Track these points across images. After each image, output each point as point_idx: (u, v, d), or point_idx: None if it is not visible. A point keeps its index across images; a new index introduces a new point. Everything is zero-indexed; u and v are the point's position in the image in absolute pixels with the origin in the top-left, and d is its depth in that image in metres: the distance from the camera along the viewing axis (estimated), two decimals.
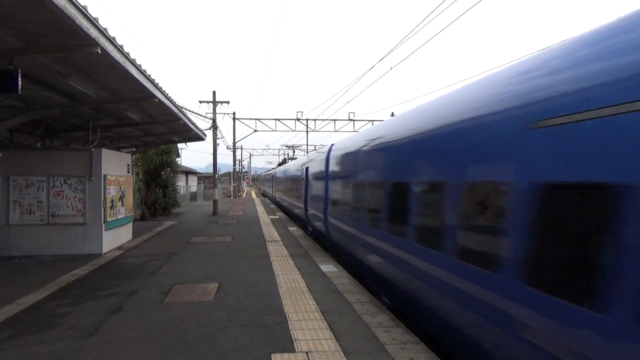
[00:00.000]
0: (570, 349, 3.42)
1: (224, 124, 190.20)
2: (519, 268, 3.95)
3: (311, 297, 9.45)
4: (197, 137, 21.26)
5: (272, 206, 35.76)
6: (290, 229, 20.48)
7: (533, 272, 3.81)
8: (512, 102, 4.30)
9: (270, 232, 19.42)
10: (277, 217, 26.03)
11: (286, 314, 8.51)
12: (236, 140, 54.20)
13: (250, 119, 44.64)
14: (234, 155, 61.90)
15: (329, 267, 12.19)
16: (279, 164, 57.22)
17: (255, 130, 51.82)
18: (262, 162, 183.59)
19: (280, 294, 9.64)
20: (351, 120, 50.41)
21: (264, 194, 62.77)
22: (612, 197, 3.26)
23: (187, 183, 49.50)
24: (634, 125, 3.21)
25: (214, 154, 29.98)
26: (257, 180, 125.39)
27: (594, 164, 3.36)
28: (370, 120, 52.77)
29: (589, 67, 3.64)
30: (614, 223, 3.25)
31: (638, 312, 3.05)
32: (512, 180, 4.15)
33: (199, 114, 27.28)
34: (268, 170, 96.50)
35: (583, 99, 3.58)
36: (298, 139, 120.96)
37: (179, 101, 19.87)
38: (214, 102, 29.84)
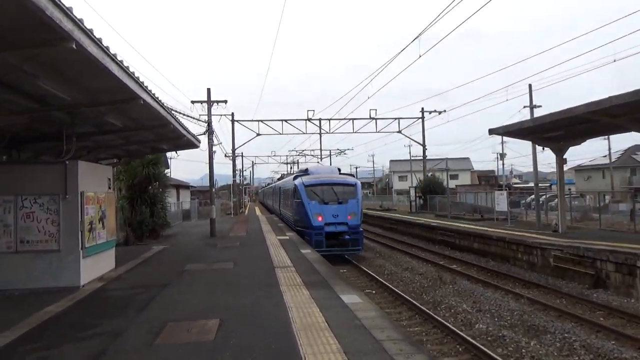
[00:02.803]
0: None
1: (222, 127, 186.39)
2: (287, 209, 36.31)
3: (331, 334, 9.38)
4: (190, 144, 21.19)
5: (281, 224, 35.46)
6: (303, 251, 20.38)
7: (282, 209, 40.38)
8: (284, 184, 40.31)
9: (279, 255, 19.31)
10: (287, 237, 25.90)
11: (302, 356, 8.43)
12: (236, 147, 55.41)
13: (252, 120, 45.04)
14: (234, 164, 60.88)
15: (352, 298, 12.11)
16: (280, 177, 64.05)
17: (258, 134, 51.83)
18: (267, 172, 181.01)
19: (294, 332, 9.56)
20: (372, 118, 50.03)
21: (269, 209, 63.16)
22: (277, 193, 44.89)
23: (178, 199, 49.43)
24: (269, 190, 63.36)
25: (209, 163, 29.53)
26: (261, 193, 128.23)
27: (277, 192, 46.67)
28: (395, 118, 52.98)
29: (280, 183, 44.16)
30: (279, 197, 42.93)
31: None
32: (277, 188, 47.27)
33: (191, 117, 27.04)
34: (268, 184, 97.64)
35: (281, 185, 43.07)
36: (311, 142, 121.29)
37: (168, 103, 20.11)
38: (209, 102, 29.42)
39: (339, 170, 34.18)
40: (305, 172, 33.47)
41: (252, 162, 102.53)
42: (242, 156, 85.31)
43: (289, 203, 35.03)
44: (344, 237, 27.96)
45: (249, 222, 38.36)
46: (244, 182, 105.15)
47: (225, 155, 54.67)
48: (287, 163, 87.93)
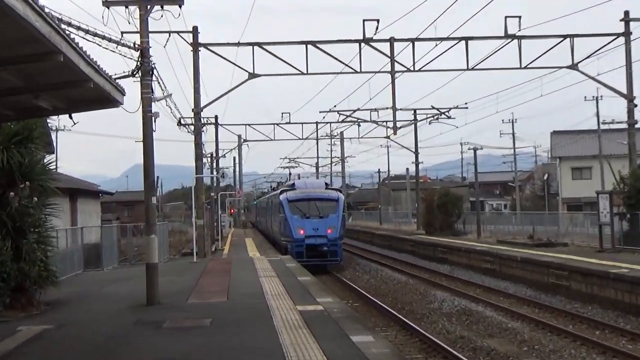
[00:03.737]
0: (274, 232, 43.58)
1: (175, 61, 53.70)
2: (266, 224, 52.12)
3: None
4: (101, 97, 11.73)
5: (304, 279, 19.63)
6: (357, 340, 9.92)
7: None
8: (270, 198, 48.50)
9: (303, 348, 9.35)
10: (320, 307, 13.79)
11: None
12: (209, 103, 32.55)
13: (237, 44, 27.43)
14: (215, 164, 51.95)
15: None
16: (272, 189, 61.66)
17: (244, 141, 41.07)
18: (271, 163, 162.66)
19: None
20: (375, 122, 44.20)
21: (269, 238, 48.48)
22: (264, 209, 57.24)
23: (74, 219, 32.01)
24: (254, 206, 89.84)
25: (144, 139, 15.52)
26: (252, 208, 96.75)
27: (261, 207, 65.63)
28: (411, 121, 46.79)
29: (265, 197, 60.66)
30: (267, 211, 49.85)
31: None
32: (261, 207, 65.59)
33: (105, 38, 13.60)
34: (260, 196, 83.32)
35: (264, 199, 60.93)
36: (308, 147, 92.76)
37: (53, 7, 9.56)
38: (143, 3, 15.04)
39: (326, 184, 39.49)
40: (292, 186, 37.14)
41: (240, 138, 55.45)
42: (216, 125, 47.02)
43: (277, 218, 38.69)
44: (322, 249, 31.95)
45: (233, 269, 23.26)
46: (220, 184, 67.89)
47: (180, 123, 31.88)
48: (283, 167, 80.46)
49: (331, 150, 77.95)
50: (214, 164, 54.08)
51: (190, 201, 35.96)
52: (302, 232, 32.03)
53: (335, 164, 76.99)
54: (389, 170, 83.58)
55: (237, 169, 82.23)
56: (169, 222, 55.06)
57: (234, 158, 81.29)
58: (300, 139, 48.18)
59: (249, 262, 27.09)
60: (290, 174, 77.13)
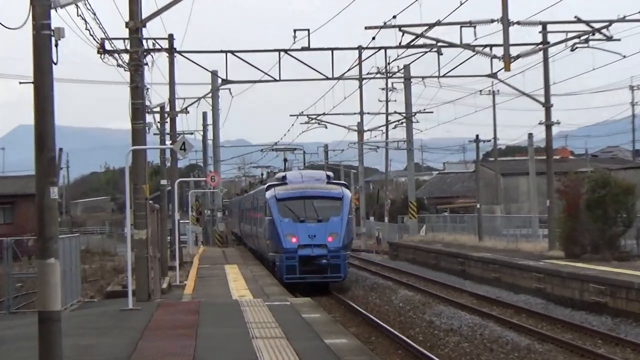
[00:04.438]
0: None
1: None
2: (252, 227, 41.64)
3: None
4: None
5: (338, 341, 12.39)
6: None
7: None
8: (255, 195, 39.86)
9: None
10: None
11: None
12: (177, 110, 25.34)
13: (208, 51, 20.72)
14: (170, 127, 32.19)
15: None
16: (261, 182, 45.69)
17: (224, 82, 28.04)
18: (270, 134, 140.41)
19: None
20: (469, 48, 25.89)
21: (250, 248, 42.69)
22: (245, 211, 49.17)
23: None
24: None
25: (38, 77, 9.09)
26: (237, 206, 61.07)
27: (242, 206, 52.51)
28: (537, 45, 28.02)
29: (249, 194, 46.68)
30: (251, 215, 41.96)
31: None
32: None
33: None
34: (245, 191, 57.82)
35: (249, 197, 46.38)
36: (341, 95, 72.12)
37: None
38: None
39: (328, 177, 32.29)
40: (283, 180, 31.93)
41: (216, 77, 37.59)
42: (171, 52, 29.49)
43: (262, 223, 33.74)
44: (321, 262, 27.92)
45: (203, 331, 13.89)
46: (180, 163, 44.73)
47: (104, 50, 18.54)
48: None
49: (387, 100, 56.79)
50: (168, 127, 33.72)
51: (120, 196, 25.40)
52: (294, 240, 28.30)
53: (395, 126, 55.81)
54: (495, 139, 51.60)
55: (212, 134, 54.43)
56: (81, 235, 37.25)
57: (205, 116, 55.27)
58: (328, 78, 31.51)
59: (231, 309, 17.57)
60: (285, 162, 47.04)
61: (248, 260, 40.17)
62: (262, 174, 53.78)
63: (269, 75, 30.79)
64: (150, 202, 21.06)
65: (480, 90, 48.64)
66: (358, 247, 61.09)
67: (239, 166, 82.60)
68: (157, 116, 32.51)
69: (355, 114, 55.20)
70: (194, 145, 23.41)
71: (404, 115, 54.16)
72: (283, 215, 28.86)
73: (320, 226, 28.45)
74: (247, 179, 76.45)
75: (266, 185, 33.02)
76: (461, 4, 24.43)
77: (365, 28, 28.32)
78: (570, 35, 27.64)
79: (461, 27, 26.37)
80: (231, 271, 32.45)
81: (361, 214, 63.56)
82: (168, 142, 32.49)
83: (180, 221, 38.26)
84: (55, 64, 9.38)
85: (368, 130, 56.92)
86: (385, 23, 26.57)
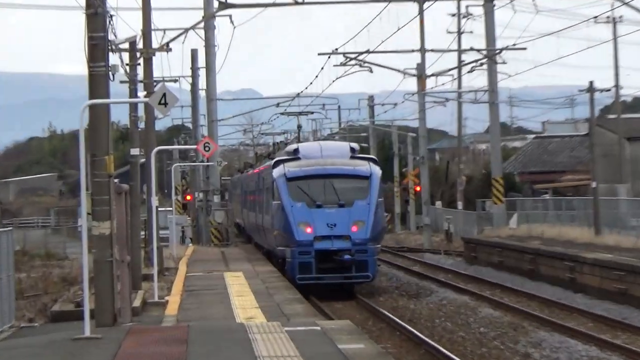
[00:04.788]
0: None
1: None
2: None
3: None
4: None
5: None
6: None
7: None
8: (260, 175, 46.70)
9: None
10: None
11: None
12: (153, 47, 26.57)
13: None
14: (145, 70, 32.54)
15: None
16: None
17: (223, 5, 28.58)
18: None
19: None
20: None
21: (256, 242, 46.29)
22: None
23: None
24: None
25: None
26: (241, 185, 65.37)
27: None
28: None
29: (249, 177, 56.26)
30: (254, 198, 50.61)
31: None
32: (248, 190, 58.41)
33: None
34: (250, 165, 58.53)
35: (244, 178, 62.62)
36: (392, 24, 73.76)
37: None
38: None
39: (353, 150, 34.11)
40: (294, 154, 34.10)
41: None
42: None
43: (267, 209, 36.06)
44: (344, 258, 30.40)
45: None
46: (157, 124, 42.47)
47: None
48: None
49: (459, 31, 60.28)
50: (142, 72, 33.36)
51: (72, 172, 26.91)
52: (309, 230, 30.70)
53: (472, 69, 55.71)
54: (617, 88, 53.49)
55: (205, 82, 52.11)
56: (15, 229, 35.89)
57: (194, 55, 54.32)
58: None
59: (235, 337, 17.15)
60: (299, 129, 47.56)
61: (258, 265, 39.09)
62: (273, 144, 51.87)
63: None
64: (116, 181, 20.52)
65: (596, 17, 48.14)
66: (419, 246, 60.78)
67: (244, 128, 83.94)
68: (126, 56, 31.43)
69: (413, 51, 54.74)
70: (179, 99, 21.29)
71: (485, 53, 53.59)
72: (295, 198, 31.74)
73: (342, 212, 31.36)
74: (256, 148, 78.57)
75: (273, 161, 35.28)
76: None
77: None
78: None
79: None
80: (234, 281, 31.59)
81: (423, 197, 61.76)
82: (141, 94, 32.33)
83: (160, 209, 38.69)
84: None
85: (432, 75, 54.15)
86: None
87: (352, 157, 33.81)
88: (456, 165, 66.08)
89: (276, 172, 32.88)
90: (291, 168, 32.67)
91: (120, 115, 41.18)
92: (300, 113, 49.99)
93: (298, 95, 58.49)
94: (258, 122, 73.12)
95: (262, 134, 66.56)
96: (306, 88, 58.75)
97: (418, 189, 67.17)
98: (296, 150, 34.41)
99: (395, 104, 68.38)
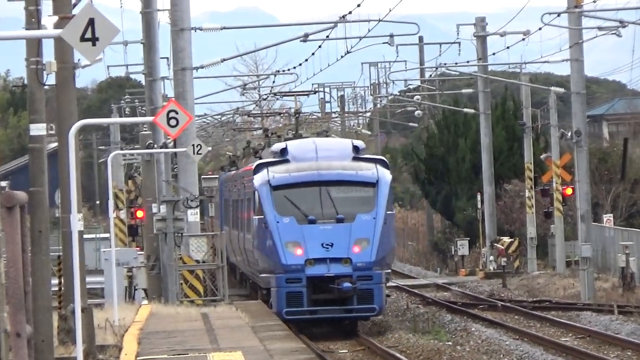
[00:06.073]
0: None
1: None
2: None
3: None
4: None
5: None
6: None
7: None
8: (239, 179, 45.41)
9: None
10: None
11: None
12: None
13: None
14: None
15: None
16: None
17: None
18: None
19: None
20: None
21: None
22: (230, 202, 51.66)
23: None
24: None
25: None
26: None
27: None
28: None
29: (229, 178, 52.20)
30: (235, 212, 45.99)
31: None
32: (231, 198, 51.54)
33: None
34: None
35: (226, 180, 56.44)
36: None
37: None
38: None
39: (356, 149, 29.85)
40: (282, 155, 29.84)
41: None
42: None
43: (247, 226, 31.01)
44: (342, 286, 26.88)
45: None
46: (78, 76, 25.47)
47: None
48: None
49: None
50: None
51: None
52: (299, 251, 28.18)
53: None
54: None
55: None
56: None
57: None
58: None
59: None
60: (297, 117, 41.49)
61: (271, 340, 23.47)
62: (264, 132, 40.64)
63: None
64: (3, 185, 16.96)
65: None
66: (573, 298, 44.29)
67: (244, 83, 55.55)
68: None
69: None
70: (119, 30, 9.92)
71: None
72: (281, 212, 28.39)
73: (340, 229, 28.13)
74: (265, 121, 51.95)
75: (254, 164, 30.99)
76: None
77: None
78: None
79: None
80: None
81: (580, 208, 41.26)
82: (49, 21, 20.58)
83: (88, 236, 32.75)
84: None
85: None
86: None
87: (355, 159, 30.11)
88: None
89: (258, 178, 29.20)
90: (277, 173, 29.00)
91: (10, 64, 18.23)
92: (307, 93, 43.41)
93: (344, 17, 37.08)
94: (267, 69, 51.61)
95: (276, 94, 43.57)
96: (358, 5, 36.11)
97: (569, 191, 43.17)
98: (284, 150, 29.84)
99: (527, 33, 44.68)
